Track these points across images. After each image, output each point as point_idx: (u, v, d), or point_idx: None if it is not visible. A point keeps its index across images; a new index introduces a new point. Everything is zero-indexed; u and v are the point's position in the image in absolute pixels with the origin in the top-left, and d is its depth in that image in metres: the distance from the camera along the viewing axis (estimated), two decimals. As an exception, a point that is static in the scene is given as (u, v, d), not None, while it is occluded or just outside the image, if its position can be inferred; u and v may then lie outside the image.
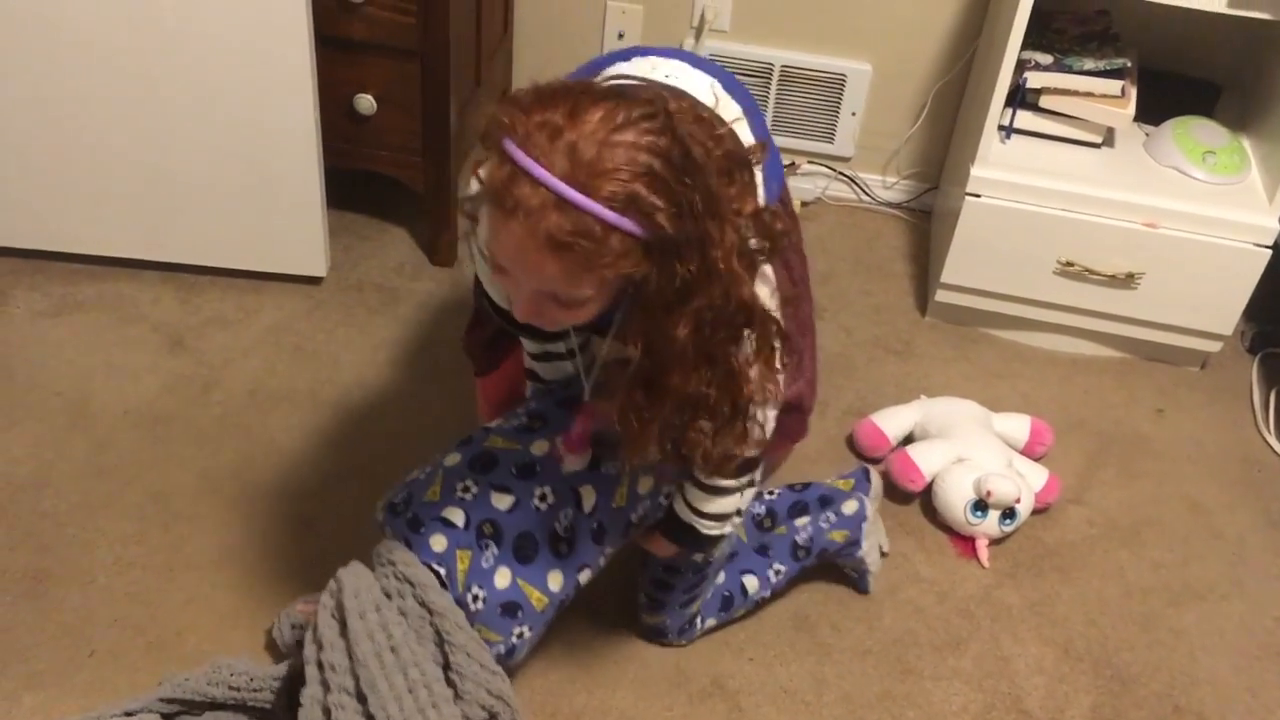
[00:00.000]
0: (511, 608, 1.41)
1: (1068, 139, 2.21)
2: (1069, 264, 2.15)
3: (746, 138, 1.25)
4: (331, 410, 2.00)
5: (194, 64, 1.95)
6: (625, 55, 1.34)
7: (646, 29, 2.51)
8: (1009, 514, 1.86)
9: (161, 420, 1.95)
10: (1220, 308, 2.17)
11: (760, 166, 1.21)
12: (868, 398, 2.13)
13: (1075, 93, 2.15)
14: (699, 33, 2.48)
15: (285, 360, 2.08)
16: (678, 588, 1.59)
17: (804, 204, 2.59)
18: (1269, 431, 2.17)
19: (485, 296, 1.48)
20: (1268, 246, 2.09)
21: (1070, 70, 2.14)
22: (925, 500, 1.94)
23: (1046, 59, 2.15)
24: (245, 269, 2.22)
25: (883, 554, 1.83)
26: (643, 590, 1.64)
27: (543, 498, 1.44)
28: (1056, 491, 1.96)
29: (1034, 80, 2.14)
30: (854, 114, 2.52)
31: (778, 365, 1.24)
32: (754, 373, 1.22)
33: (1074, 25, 2.26)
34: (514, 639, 1.42)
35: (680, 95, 1.19)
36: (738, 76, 1.42)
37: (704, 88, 1.28)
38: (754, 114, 1.34)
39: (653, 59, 1.32)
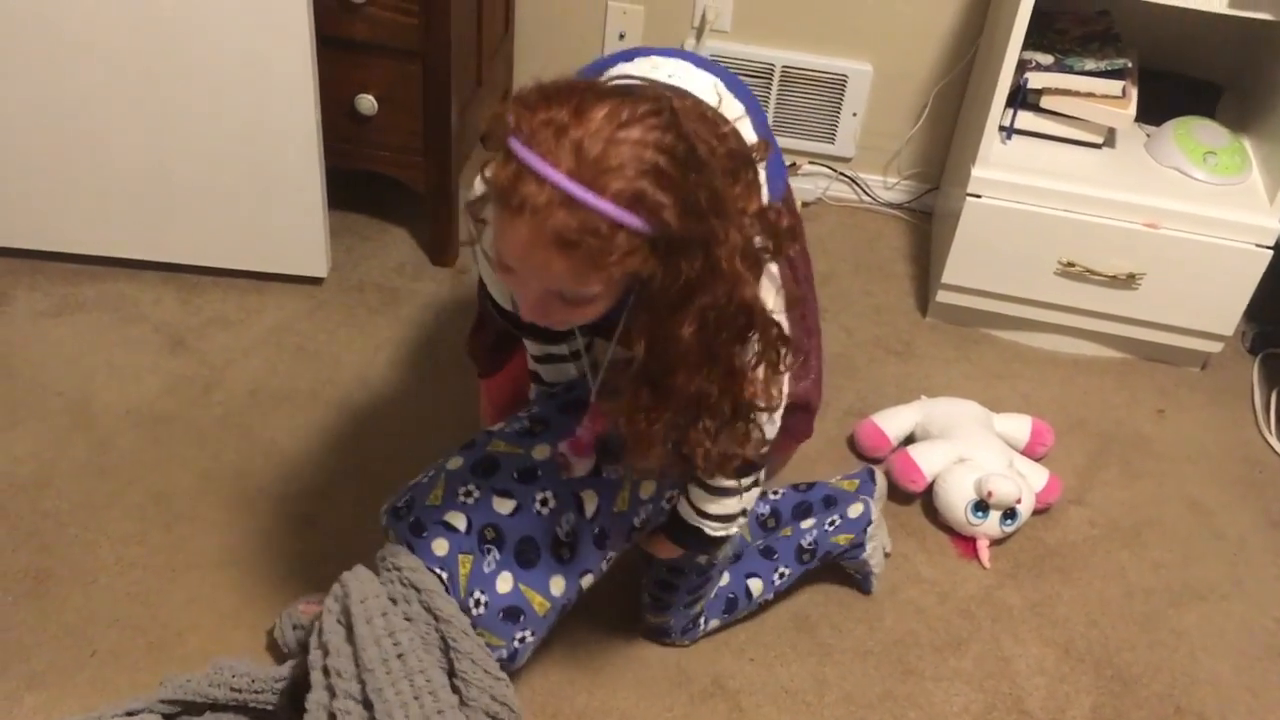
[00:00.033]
0: (513, 613, 1.41)
1: (1069, 139, 2.21)
2: (1070, 264, 2.15)
3: (750, 136, 1.25)
4: (333, 410, 2.00)
5: (195, 64, 1.95)
6: (628, 56, 1.34)
7: (647, 29, 2.51)
8: (1010, 514, 1.86)
9: (163, 420, 1.95)
10: (1221, 308, 2.17)
11: (763, 165, 1.21)
12: (868, 398, 2.13)
13: (1076, 93, 2.15)
14: (700, 33, 2.48)
15: (286, 360, 2.08)
16: (681, 588, 1.59)
17: (805, 204, 2.59)
18: (1270, 432, 2.17)
19: (489, 298, 1.48)
20: (1268, 247, 2.09)
21: (1071, 71, 2.14)
22: (926, 501, 1.94)
23: (1047, 59, 2.15)
24: (246, 269, 2.22)
25: (886, 555, 1.83)
26: (646, 590, 1.64)
27: (544, 502, 1.44)
28: (1057, 492, 1.96)
29: (1035, 81, 2.14)
30: (855, 114, 2.52)
31: (781, 368, 1.24)
32: (757, 375, 1.22)
33: (1075, 25, 2.26)
34: (516, 644, 1.42)
35: (683, 95, 1.19)
36: (739, 77, 1.42)
37: (707, 87, 1.28)
38: (756, 113, 1.35)
39: (655, 59, 1.32)
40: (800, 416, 1.60)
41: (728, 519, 1.46)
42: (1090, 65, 2.14)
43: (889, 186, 2.62)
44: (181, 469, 1.87)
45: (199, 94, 1.99)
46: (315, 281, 2.24)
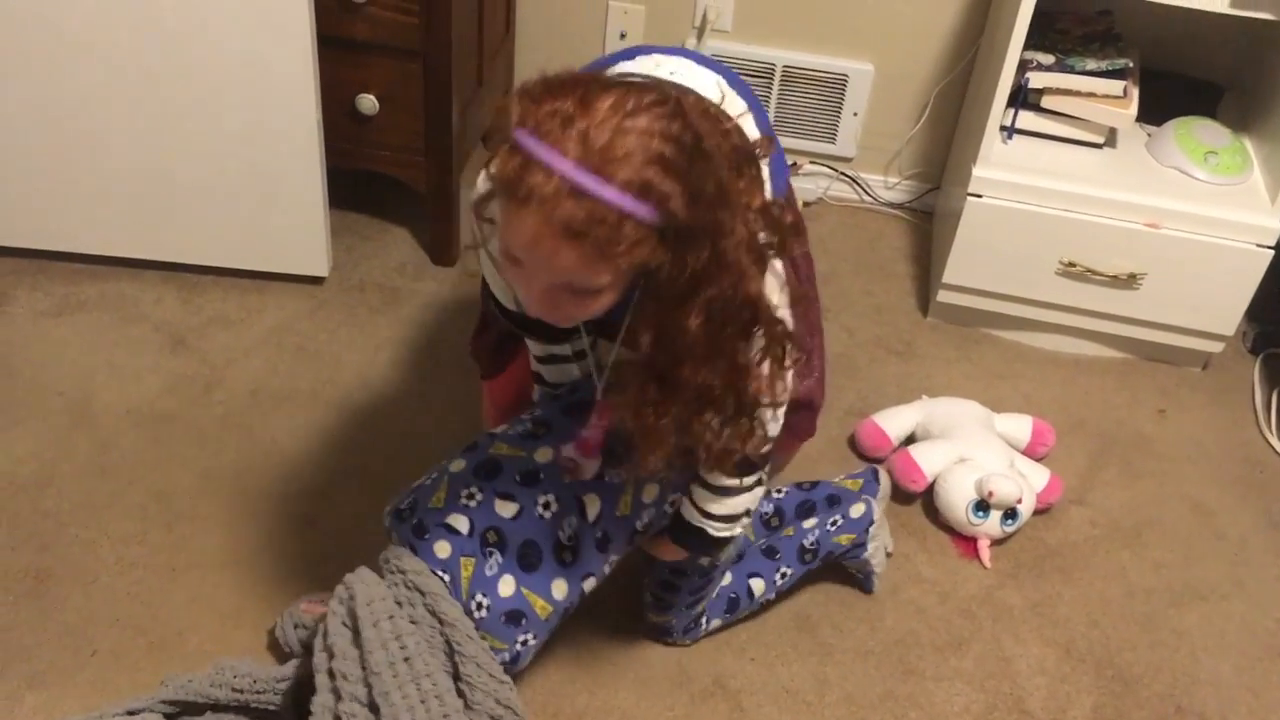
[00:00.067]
0: (515, 616, 1.41)
1: (1070, 139, 2.21)
2: (1071, 264, 2.15)
3: (752, 132, 1.25)
4: (333, 410, 2.00)
5: (196, 64, 1.95)
6: (629, 54, 1.34)
7: (648, 29, 2.51)
8: (1011, 514, 1.86)
9: (163, 420, 1.95)
10: (1222, 308, 2.16)
11: (766, 161, 1.21)
12: (869, 398, 2.13)
13: (1077, 93, 2.15)
14: (701, 32, 2.48)
15: (287, 360, 2.08)
16: (684, 589, 1.59)
17: (806, 204, 2.59)
18: (1271, 432, 2.17)
19: (492, 299, 1.47)
20: (1269, 247, 2.08)
21: (1072, 70, 2.14)
22: (927, 501, 1.94)
23: (1048, 59, 2.15)
24: (247, 269, 2.22)
25: (887, 554, 1.83)
26: (648, 590, 1.64)
27: (546, 506, 1.43)
28: (1058, 492, 1.96)
29: (1036, 80, 2.14)
30: (856, 114, 2.52)
31: (786, 364, 1.23)
32: (761, 371, 1.22)
33: (1076, 25, 2.25)
34: (518, 647, 1.42)
35: (686, 91, 1.19)
36: (739, 76, 1.42)
37: (710, 84, 1.28)
38: (758, 111, 1.35)
39: (656, 57, 1.32)
40: (803, 415, 1.60)
41: (732, 519, 1.46)
42: (1091, 65, 2.14)
43: (890, 186, 2.62)
44: (182, 469, 1.87)
45: (200, 94, 1.99)
46: (316, 281, 2.24)
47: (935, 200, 2.58)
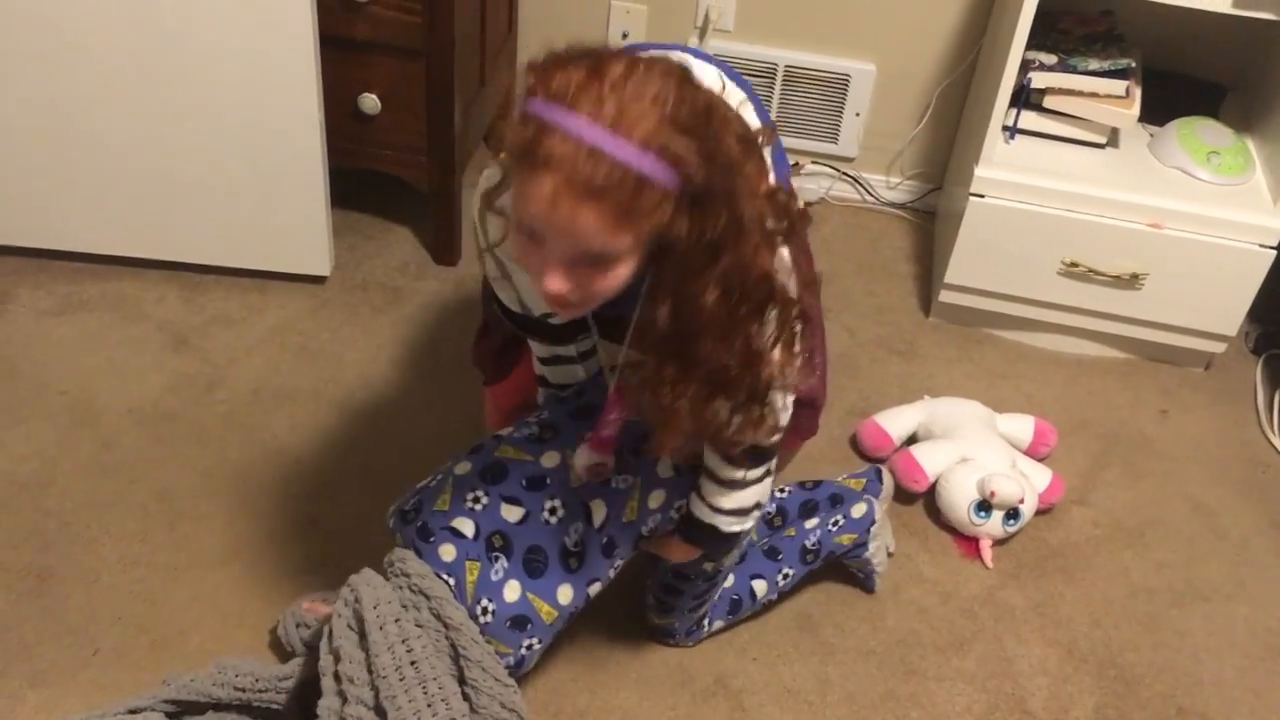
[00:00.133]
0: (521, 621, 1.41)
1: (1072, 139, 2.21)
2: (1073, 264, 2.15)
3: (753, 121, 1.25)
4: (335, 409, 2.00)
5: (198, 64, 1.95)
6: (630, 51, 1.34)
7: (650, 28, 2.51)
8: (1013, 514, 1.86)
9: (165, 419, 1.95)
10: (1224, 309, 2.16)
11: (768, 150, 1.21)
12: (871, 398, 2.13)
13: (1080, 93, 2.15)
14: (703, 32, 2.48)
15: (289, 359, 2.08)
16: (687, 593, 1.59)
17: (808, 204, 2.59)
18: (1273, 432, 2.17)
19: (495, 302, 1.47)
20: (1272, 247, 2.08)
21: (1075, 70, 2.14)
22: (929, 501, 1.94)
23: (1051, 59, 2.15)
24: (249, 268, 2.22)
25: (889, 554, 1.83)
26: (651, 593, 1.64)
27: (553, 511, 1.43)
28: (1060, 492, 1.96)
29: (1038, 80, 2.14)
30: (858, 114, 2.52)
31: (796, 348, 1.23)
32: (774, 356, 1.21)
33: (1078, 25, 2.25)
34: (523, 651, 1.42)
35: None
36: (747, 79, 1.43)
37: (712, 77, 1.29)
38: (757, 103, 1.36)
39: (655, 53, 1.32)
40: (806, 413, 1.60)
41: (742, 513, 1.45)
42: (1094, 65, 2.14)
43: (892, 186, 2.62)
44: (184, 468, 1.87)
45: (202, 93, 1.99)
46: (318, 280, 2.24)
47: (937, 200, 2.58)
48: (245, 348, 2.09)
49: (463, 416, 1.97)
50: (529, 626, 1.41)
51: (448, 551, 1.40)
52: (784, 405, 1.34)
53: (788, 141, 2.53)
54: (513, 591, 1.41)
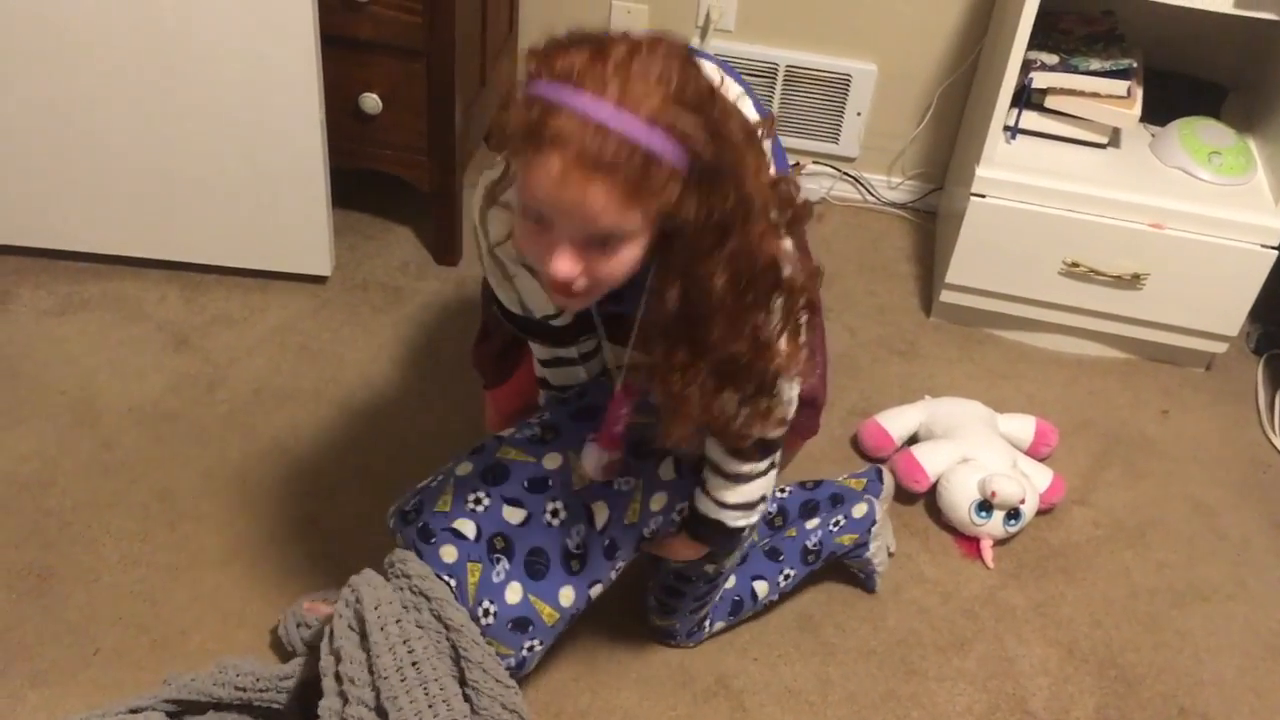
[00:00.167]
0: (522, 623, 1.40)
1: (1073, 139, 2.21)
2: (1074, 264, 2.15)
3: (751, 114, 1.25)
4: (336, 409, 2.00)
5: (199, 63, 1.95)
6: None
7: (651, 28, 2.51)
8: (1014, 515, 1.86)
9: (166, 419, 1.95)
10: (1226, 309, 2.16)
11: (768, 142, 1.21)
12: (872, 398, 2.13)
13: (1081, 93, 2.15)
14: (704, 32, 2.48)
15: (290, 359, 2.08)
16: (688, 595, 1.59)
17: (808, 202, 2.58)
18: (1274, 433, 2.17)
19: (495, 303, 1.46)
20: (1273, 247, 2.08)
21: (1076, 70, 2.14)
22: (930, 501, 1.94)
23: (1052, 59, 2.15)
24: (250, 268, 2.22)
25: (889, 554, 1.83)
26: (653, 594, 1.64)
27: (554, 513, 1.43)
28: (1061, 492, 1.96)
29: (1039, 80, 2.14)
30: (859, 114, 2.52)
31: (802, 339, 1.23)
32: (780, 347, 1.21)
33: (1080, 25, 2.25)
34: (524, 652, 1.42)
35: None
36: (742, 76, 1.43)
37: (710, 69, 1.29)
38: (754, 100, 1.35)
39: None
40: (807, 413, 1.59)
41: (749, 507, 1.44)
42: (1095, 65, 2.14)
43: (893, 186, 2.62)
44: (185, 467, 1.87)
45: (203, 93, 1.99)
46: (319, 280, 2.24)
47: (938, 200, 2.58)
48: (246, 347, 2.09)
49: (463, 416, 1.97)
50: (530, 628, 1.41)
51: (449, 553, 1.40)
52: (790, 398, 1.34)
53: (788, 141, 2.53)
54: (514, 593, 1.40)
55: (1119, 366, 2.29)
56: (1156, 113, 2.23)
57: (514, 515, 1.42)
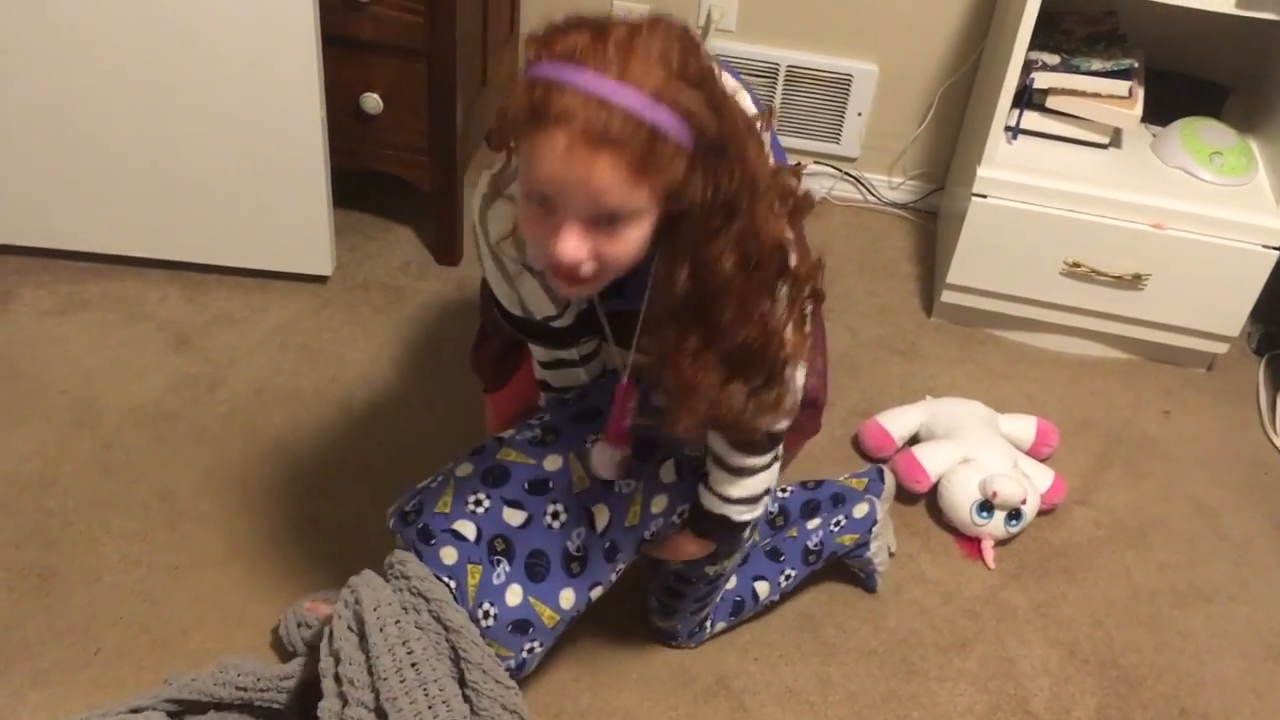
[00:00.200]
0: (523, 625, 1.40)
1: (1074, 140, 2.21)
2: (1075, 265, 2.15)
3: (749, 108, 1.25)
4: (337, 409, 2.00)
5: (200, 63, 1.95)
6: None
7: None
8: (1015, 515, 1.86)
9: (167, 418, 1.95)
10: (1227, 309, 2.16)
11: (766, 137, 1.21)
12: (873, 398, 2.13)
13: (1082, 93, 2.15)
14: (705, 32, 2.48)
15: (291, 359, 2.08)
16: (689, 597, 1.59)
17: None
18: (1275, 433, 2.17)
19: (495, 305, 1.46)
20: (1275, 248, 2.08)
21: (1077, 71, 2.14)
22: (931, 501, 1.94)
23: (1053, 59, 2.15)
24: (251, 268, 2.22)
25: (890, 554, 1.82)
26: (654, 595, 1.63)
27: (555, 516, 1.42)
28: (1062, 493, 1.95)
29: (1041, 81, 2.14)
30: (860, 114, 2.52)
31: (807, 329, 1.23)
32: (787, 335, 1.21)
33: (1081, 25, 2.25)
34: (524, 654, 1.41)
35: None
36: (743, 76, 1.43)
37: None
38: (751, 94, 1.35)
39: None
40: (808, 413, 1.59)
41: (753, 500, 1.44)
42: (1096, 65, 2.14)
43: (894, 186, 2.62)
44: (185, 467, 1.87)
45: (204, 93, 1.99)
46: (320, 280, 2.24)
47: (939, 200, 2.58)
48: (247, 347, 2.09)
49: (464, 417, 1.97)
50: (530, 630, 1.41)
51: (449, 554, 1.40)
52: (796, 388, 1.33)
53: (789, 141, 2.53)
54: (514, 595, 1.40)
55: (1120, 367, 2.28)
56: (1158, 113, 2.23)
57: (514, 517, 1.42)
